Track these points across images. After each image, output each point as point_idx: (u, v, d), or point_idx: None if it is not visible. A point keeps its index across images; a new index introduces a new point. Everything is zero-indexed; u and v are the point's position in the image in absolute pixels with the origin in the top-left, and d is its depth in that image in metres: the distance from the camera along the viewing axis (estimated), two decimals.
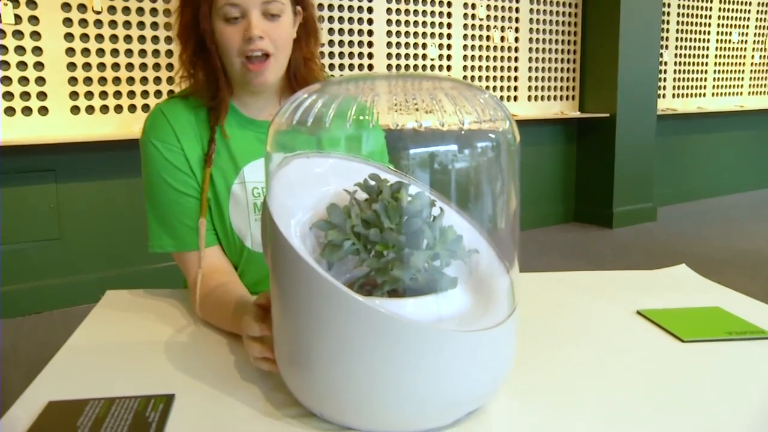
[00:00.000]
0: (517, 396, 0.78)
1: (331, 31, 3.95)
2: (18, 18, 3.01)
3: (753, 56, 6.21)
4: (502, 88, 4.74)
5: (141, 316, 1.12)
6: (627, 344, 0.95)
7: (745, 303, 1.12)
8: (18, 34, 3.03)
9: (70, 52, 3.16)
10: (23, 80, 3.07)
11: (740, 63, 6.15)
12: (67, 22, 3.13)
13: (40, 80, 3.10)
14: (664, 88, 5.60)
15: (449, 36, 4.44)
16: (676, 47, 5.64)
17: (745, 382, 0.82)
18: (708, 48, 5.86)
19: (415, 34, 4.30)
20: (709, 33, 5.84)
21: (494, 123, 0.72)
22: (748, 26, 6.11)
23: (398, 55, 4.24)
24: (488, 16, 4.60)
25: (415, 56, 4.31)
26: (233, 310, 0.97)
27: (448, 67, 4.46)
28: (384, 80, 0.85)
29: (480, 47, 4.60)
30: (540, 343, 0.94)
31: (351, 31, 4.03)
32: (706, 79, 5.91)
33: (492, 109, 0.73)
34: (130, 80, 3.32)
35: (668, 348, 0.93)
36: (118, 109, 3.31)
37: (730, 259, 3.95)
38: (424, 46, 4.34)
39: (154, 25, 3.34)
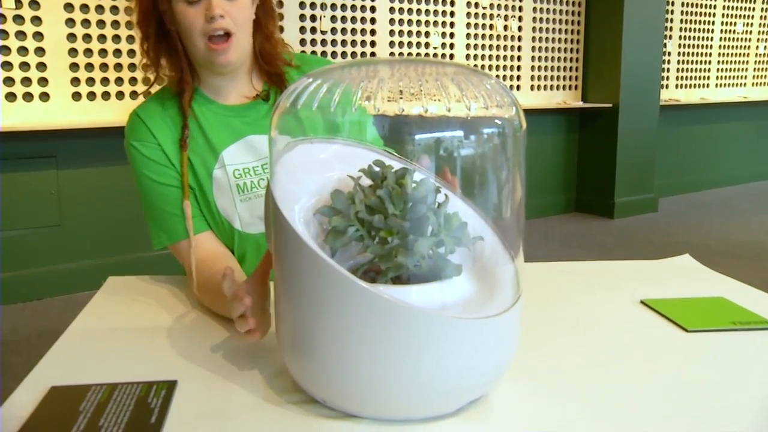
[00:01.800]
0: (520, 384, 0.78)
1: (333, 18, 3.92)
2: (18, 2, 2.99)
3: (758, 47, 6.17)
4: (504, 77, 4.71)
5: (143, 302, 1.12)
6: (631, 334, 0.95)
7: (749, 293, 1.12)
8: (19, 19, 3.01)
9: (72, 37, 3.14)
10: (24, 66, 3.05)
11: (744, 54, 6.11)
12: (69, 7, 3.11)
13: (42, 66, 3.09)
14: (668, 78, 5.57)
15: (452, 24, 4.42)
16: (680, 37, 5.61)
17: (750, 373, 0.82)
18: (712, 38, 5.83)
19: (418, 22, 4.27)
20: (713, 23, 5.80)
21: (500, 109, 0.71)
22: (752, 16, 6.07)
23: (401, 43, 4.21)
24: (491, 5, 4.57)
25: (418, 44, 4.29)
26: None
27: (451, 56, 4.44)
28: (387, 65, 0.84)
29: (483, 36, 4.58)
30: (544, 332, 0.94)
31: (354, 19, 4.01)
32: (709, 70, 5.88)
33: (498, 95, 0.72)
34: (132, 66, 3.30)
35: (672, 337, 0.93)
36: (120, 95, 3.30)
37: (732, 251, 3.94)
38: (426, 34, 4.32)
39: None
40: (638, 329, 0.97)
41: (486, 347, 0.69)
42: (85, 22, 3.16)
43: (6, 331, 2.81)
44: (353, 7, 3.99)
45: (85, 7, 3.15)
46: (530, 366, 0.82)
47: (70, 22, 3.13)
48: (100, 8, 3.18)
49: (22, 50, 3.04)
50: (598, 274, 1.25)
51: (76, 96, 3.19)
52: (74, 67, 3.17)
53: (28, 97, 3.07)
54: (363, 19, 4.05)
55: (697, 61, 5.77)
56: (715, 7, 5.78)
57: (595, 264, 1.34)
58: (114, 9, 3.22)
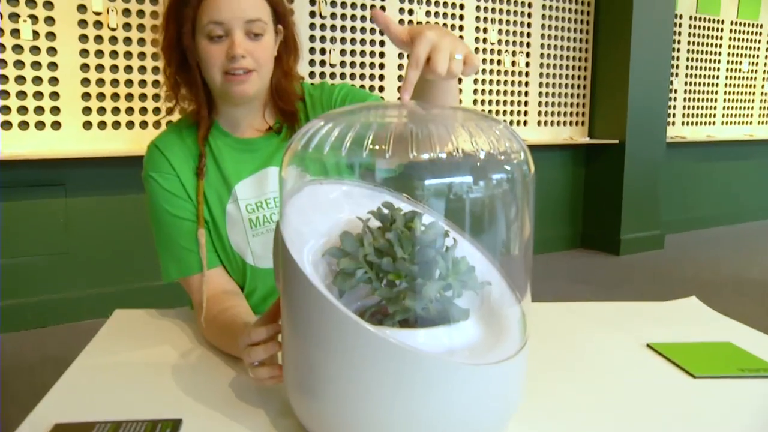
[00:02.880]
0: (526, 429, 0.77)
1: (342, 52, 3.97)
2: (36, 34, 3.05)
3: (763, 85, 6.21)
4: (512, 112, 4.75)
5: (149, 337, 1.12)
6: (637, 378, 0.95)
7: (756, 338, 1.11)
8: (35, 50, 3.07)
9: (85, 67, 3.19)
10: (38, 95, 3.10)
11: (750, 92, 6.15)
12: (83, 38, 3.17)
13: (54, 95, 3.13)
14: (674, 115, 5.60)
15: None
16: (686, 75, 5.65)
17: (758, 422, 0.81)
18: (718, 76, 5.87)
19: None
20: (719, 61, 5.85)
21: (509, 155, 0.72)
22: (758, 55, 6.12)
23: None
24: (499, 41, 4.63)
25: None
26: (237, 335, 0.97)
27: (459, 91, 4.47)
28: (396, 109, 0.85)
29: (491, 71, 4.62)
30: (550, 375, 0.93)
31: (363, 53, 4.06)
32: (715, 108, 5.91)
33: (507, 140, 0.73)
34: (143, 96, 3.35)
35: (679, 383, 0.92)
36: (130, 125, 3.33)
37: (738, 288, 3.92)
38: None
39: None
40: (644, 374, 0.96)
41: (493, 393, 0.69)
42: (99, 53, 3.21)
43: (11, 358, 2.81)
44: (362, 41, 4.05)
45: (99, 38, 3.20)
46: (536, 410, 0.81)
47: (84, 52, 3.18)
48: (113, 39, 3.24)
49: (37, 80, 3.09)
50: (604, 316, 1.24)
51: (87, 125, 3.23)
52: (86, 96, 3.21)
53: (40, 125, 3.11)
54: (372, 53, 4.10)
55: (703, 99, 5.81)
56: (720, 45, 5.83)
57: (601, 305, 1.33)
58: (127, 40, 3.27)
